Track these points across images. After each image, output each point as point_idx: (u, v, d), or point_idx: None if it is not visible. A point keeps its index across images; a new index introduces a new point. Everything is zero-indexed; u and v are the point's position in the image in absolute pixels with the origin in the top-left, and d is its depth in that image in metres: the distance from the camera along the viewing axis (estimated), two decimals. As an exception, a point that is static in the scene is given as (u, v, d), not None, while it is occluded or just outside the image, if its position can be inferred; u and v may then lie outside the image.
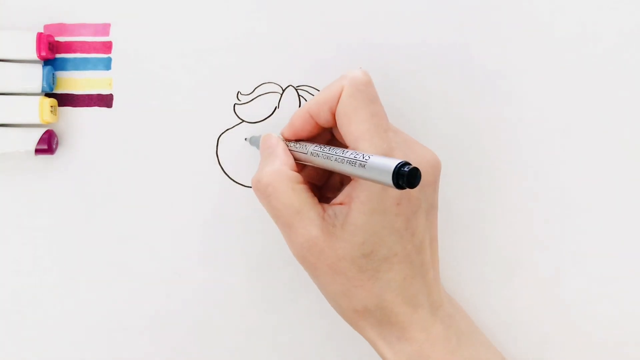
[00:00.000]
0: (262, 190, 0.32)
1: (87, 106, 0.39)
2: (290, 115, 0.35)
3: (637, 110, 0.39)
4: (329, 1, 0.39)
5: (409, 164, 0.26)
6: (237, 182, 0.39)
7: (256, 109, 0.39)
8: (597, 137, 0.39)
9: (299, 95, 0.39)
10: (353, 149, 0.31)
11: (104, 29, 0.39)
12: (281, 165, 0.33)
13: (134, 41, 0.39)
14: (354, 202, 0.31)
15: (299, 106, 0.39)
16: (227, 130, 0.39)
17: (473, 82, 0.39)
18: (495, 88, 0.39)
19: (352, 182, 0.32)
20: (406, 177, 0.26)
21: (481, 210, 0.39)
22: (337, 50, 0.39)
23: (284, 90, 0.39)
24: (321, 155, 0.31)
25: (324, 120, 0.33)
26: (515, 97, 0.39)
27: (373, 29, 0.39)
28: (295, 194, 0.32)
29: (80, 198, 0.39)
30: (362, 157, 0.28)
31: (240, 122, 0.39)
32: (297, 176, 0.32)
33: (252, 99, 0.39)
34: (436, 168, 0.34)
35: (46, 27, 0.39)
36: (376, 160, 0.28)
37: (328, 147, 0.31)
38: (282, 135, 0.35)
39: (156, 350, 0.39)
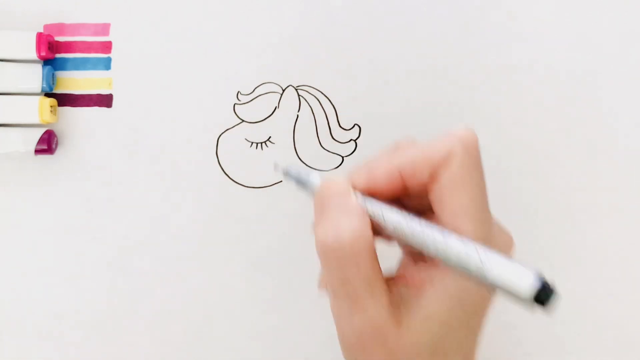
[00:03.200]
0: (339, 250, 0.25)
1: (87, 106, 0.39)
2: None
3: (637, 111, 0.39)
4: (329, 1, 0.39)
5: (546, 281, 0.21)
6: (237, 182, 0.39)
7: (256, 109, 0.39)
8: (597, 138, 0.39)
9: (299, 95, 0.39)
10: (447, 222, 0.26)
11: (104, 29, 0.39)
12: (363, 226, 0.26)
13: (134, 41, 0.39)
14: (434, 286, 0.26)
15: (299, 106, 0.39)
16: (227, 130, 0.39)
17: (472, 82, 0.39)
18: (495, 88, 0.39)
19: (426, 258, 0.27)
20: (549, 295, 0.21)
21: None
22: (338, 51, 0.39)
23: (284, 90, 0.39)
24: (411, 235, 0.25)
25: (417, 183, 0.26)
26: (515, 97, 0.39)
27: (373, 30, 0.39)
28: (373, 265, 0.26)
29: (80, 198, 0.39)
30: (477, 254, 0.23)
31: (240, 122, 0.39)
32: (374, 241, 0.26)
33: (252, 99, 0.39)
34: (511, 251, 0.29)
35: (46, 27, 0.39)
36: (502, 266, 0.22)
37: (419, 221, 0.25)
38: (353, 184, 0.27)
39: (156, 350, 0.39)
